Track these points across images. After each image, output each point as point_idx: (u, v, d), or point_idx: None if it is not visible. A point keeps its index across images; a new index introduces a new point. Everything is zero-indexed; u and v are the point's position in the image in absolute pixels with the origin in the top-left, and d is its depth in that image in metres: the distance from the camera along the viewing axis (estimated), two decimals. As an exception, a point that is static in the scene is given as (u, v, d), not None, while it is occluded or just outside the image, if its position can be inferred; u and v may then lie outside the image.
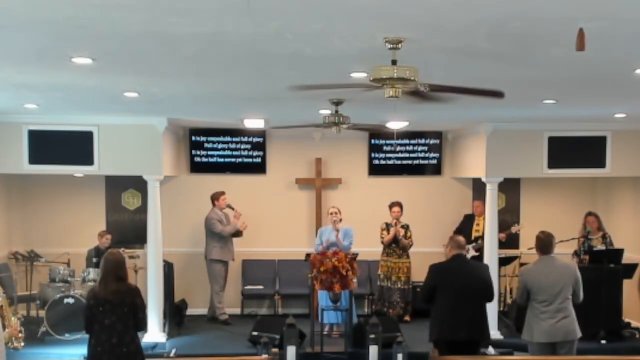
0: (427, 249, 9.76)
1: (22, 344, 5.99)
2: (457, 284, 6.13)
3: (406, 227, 9.78)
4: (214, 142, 10.49)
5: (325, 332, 8.42)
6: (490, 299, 6.34)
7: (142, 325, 5.55)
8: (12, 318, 5.92)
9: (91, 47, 4.48)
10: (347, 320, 8.41)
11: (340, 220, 9.17)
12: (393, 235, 9.67)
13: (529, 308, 6.23)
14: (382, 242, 9.76)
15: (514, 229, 10.07)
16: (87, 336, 5.55)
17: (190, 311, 10.00)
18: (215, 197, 9.82)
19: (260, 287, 10.26)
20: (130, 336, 5.43)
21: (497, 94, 4.79)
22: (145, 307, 5.90)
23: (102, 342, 5.36)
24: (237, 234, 9.84)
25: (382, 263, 9.82)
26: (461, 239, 6.46)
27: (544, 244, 6.26)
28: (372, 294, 10.30)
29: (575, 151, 8.98)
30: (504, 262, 9.82)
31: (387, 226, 9.77)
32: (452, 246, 6.31)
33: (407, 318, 9.72)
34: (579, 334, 6.23)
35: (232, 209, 9.83)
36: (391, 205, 9.80)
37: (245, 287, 10.30)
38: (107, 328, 5.36)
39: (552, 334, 6.09)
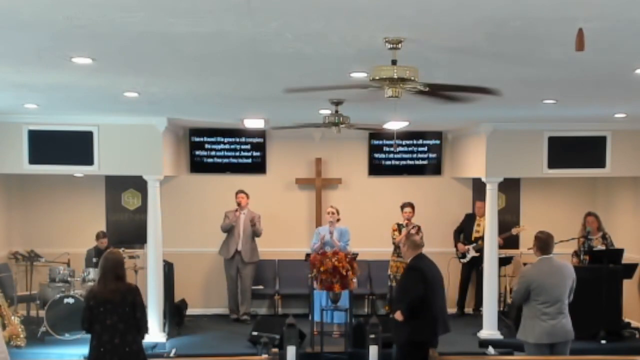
0: (427, 249, 9.71)
1: (24, 342, 5.98)
2: (437, 282, 6.33)
3: (418, 228, 9.73)
4: (214, 142, 10.49)
5: (325, 331, 8.42)
6: None
7: (143, 324, 5.50)
8: (12, 317, 5.91)
9: (91, 47, 4.48)
10: (347, 320, 8.41)
11: (338, 220, 9.17)
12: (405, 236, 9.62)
13: (527, 308, 6.19)
14: (394, 243, 9.68)
15: (514, 231, 10.05)
16: (87, 336, 5.53)
17: (190, 311, 10.01)
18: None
19: (260, 287, 10.25)
20: (132, 336, 5.42)
21: (493, 92, 4.78)
22: (144, 307, 5.87)
23: (104, 342, 5.34)
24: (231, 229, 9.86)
25: (392, 263, 9.70)
26: (417, 238, 6.66)
27: (545, 244, 6.21)
28: (372, 294, 10.29)
29: (575, 151, 8.97)
30: (503, 262, 9.81)
31: (399, 227, 9.72)
32: (409, 246, 6.44)
33: None
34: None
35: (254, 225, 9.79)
36: (403, 206, 9.71)
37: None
38: (109, 328, 5.34)
39: (553, 335, 6.08)
